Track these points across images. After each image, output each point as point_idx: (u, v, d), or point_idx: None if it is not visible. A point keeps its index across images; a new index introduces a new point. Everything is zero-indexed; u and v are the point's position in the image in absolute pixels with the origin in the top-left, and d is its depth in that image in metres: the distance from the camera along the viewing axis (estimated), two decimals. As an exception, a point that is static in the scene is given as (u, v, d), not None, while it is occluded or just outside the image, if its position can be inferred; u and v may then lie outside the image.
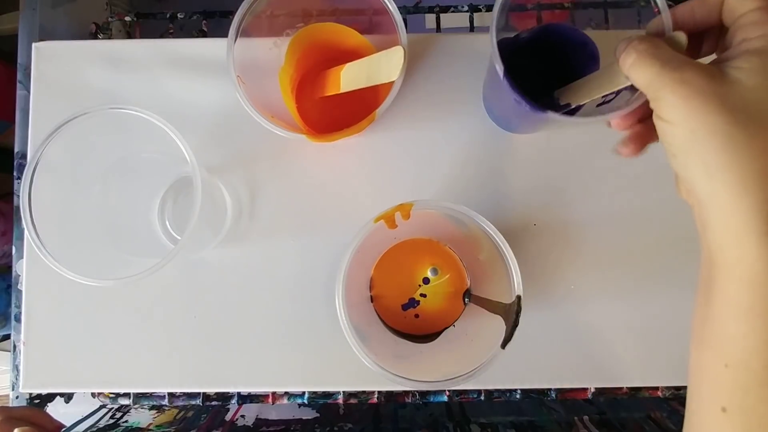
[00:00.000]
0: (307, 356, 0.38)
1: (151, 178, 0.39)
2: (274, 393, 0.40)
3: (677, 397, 0.42)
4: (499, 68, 0.29)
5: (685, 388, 0.41)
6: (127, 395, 0.40)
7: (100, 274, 0.30)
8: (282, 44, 0.36)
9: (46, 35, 0.42)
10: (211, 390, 0.40)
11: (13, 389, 0.39)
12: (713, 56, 0.26)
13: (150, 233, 0.39)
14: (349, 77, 0.34)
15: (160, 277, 0.32)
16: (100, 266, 0.31)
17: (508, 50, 0.30)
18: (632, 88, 0.30)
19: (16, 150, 0.41)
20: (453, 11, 0.44)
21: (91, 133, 0.32)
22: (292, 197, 0.39)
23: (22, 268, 0.39)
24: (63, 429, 0.36)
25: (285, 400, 0.40)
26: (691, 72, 0.21)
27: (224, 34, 0.32)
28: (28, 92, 0.39)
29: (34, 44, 0.40)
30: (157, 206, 0.39)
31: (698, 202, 0.21)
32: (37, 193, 0.30)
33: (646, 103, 0.24)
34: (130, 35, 0.47)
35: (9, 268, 0.71)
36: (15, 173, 0.41)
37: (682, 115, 0.21)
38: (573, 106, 0.33)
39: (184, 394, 0.40)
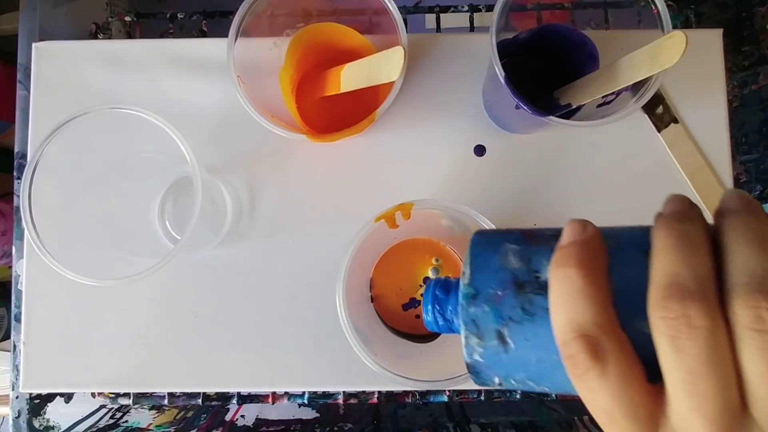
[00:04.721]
0: (307, 356, 0.38)
1: (151, 178, 0.39)
2: (274, 393, 0.40)
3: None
4: (500, 74, 0.29)
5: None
6: (127, 395, 0.40)
7: (100, 274, 0.30)
8: (282, 44, 0.36)
9: (46, 35, 0.42)
10: (211, 390, 0.40)
11: (13, 389, 0.39)
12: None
13: (150, 233, 0.39)
14: (349, 77, 0.34)
15: (160, 277, 0.32)
16: (100, 266, 0.31)
17: (507, 50, 0.30)
18: (633, 89, 0.30)
19: (16, 150, 0.41)
20: (453, 11, 0.44)
21: (91, 133, 0.32)
22: (292, 197, 0.39)
23: (22, 268, 0.39)
24: (63, 429, 0.36)
25: (285, 400, 0.40)
26: None
27: (224, 34, 0.32)
28: (28, 92, 0.39)
29: (34, 44, 0.40)
30: (157, 206, 0.39)
31: None
32: (37, 193, 0.30)
33: None
34: (130, 35, 0.47)
35: (9, 268, 0.71)
36: (15, 173, 0.41)
37: None
38: (573, 107, 0.33)
39: (184, 394, 0.40)
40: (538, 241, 0.19)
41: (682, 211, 0.17)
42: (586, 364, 0.15)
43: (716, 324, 0.14)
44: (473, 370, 0.19)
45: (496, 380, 0.19)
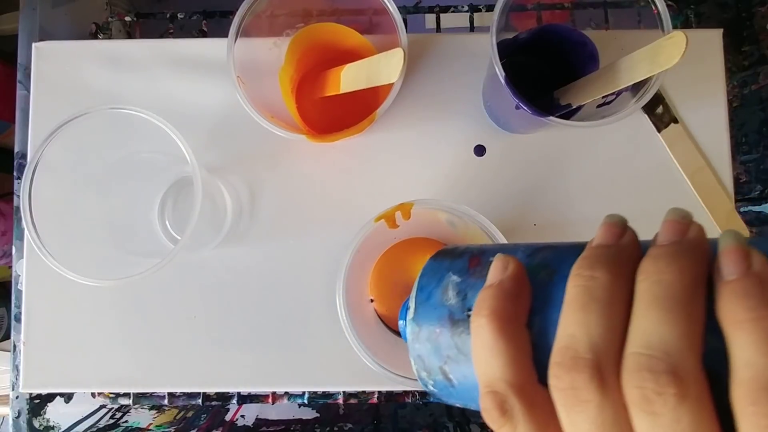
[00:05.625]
0: (307, 356, 0.38)
1: (151, 178, 0.39)
2: (274, 393, 0.40)
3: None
4: (500, 74, 0.29)
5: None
6: (127, 395, 0.40)
7: (100, 274, 0.30)
8: (282, 44, 0.36)
9: (46, 35, 0.42)
10: (211, 390, 0.40)
11: (13, 389, 0.39)
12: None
13: (150, 233, 0.39)
14: (349, 78, 0.34)
15: (160, 277, 0.32)
16: (100, 266, 0.31)
17: (507, 51, 0.30)
18: (633, 89, 0.30)
19: (16, 150, 0.41)
20: (453, 11, 0.44)
21: (91, 133, 0.32)
22: (292, 197, 0.39)
23: (22, 268, 0.39)
24: (63, 429, 0.36)
25: (285, 400, 0.40)
26: None
27: (224, 34, 0.32)
28: (28, 92, 0.39)
29: (34, 44, 0.40)
30: (157, 206, 0.39)
31: None
32: (37, 193, 0.30)
33: None
34: (130, 35, 0.47)
35: (9, 268, 0.71)
36: (15, 173, 0.41)
37: None
38: (573, 107, 0.33)
39: (184, 394, 0.40)
40: (478, 272, 0.18)
41: (602, 248, 0.15)
42: (498, 421, 0.14)
43: (606, 399, 0.13)
44: (433, 397, 0.18)
45: (458, 405, 0.18)
